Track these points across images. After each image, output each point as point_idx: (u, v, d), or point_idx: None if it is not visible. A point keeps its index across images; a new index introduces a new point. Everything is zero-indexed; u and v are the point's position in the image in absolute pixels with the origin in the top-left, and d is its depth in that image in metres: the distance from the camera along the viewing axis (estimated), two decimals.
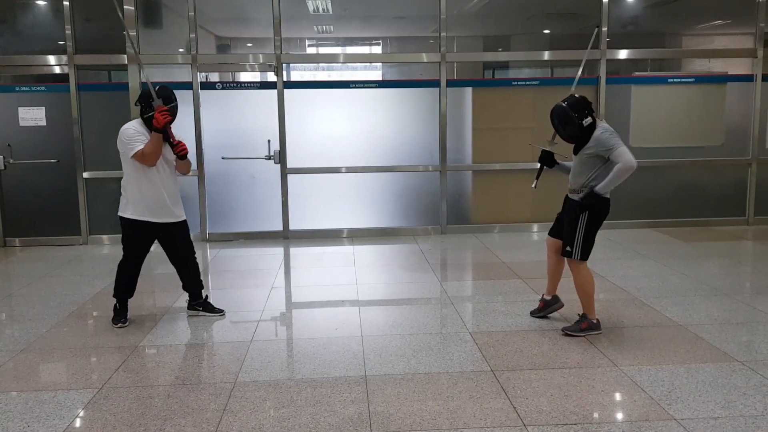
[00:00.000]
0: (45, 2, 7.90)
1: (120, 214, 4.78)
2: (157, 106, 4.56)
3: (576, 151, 4.49)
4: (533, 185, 4.97)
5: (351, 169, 8.14)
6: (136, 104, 4.74)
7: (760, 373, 3.79)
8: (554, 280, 4.85)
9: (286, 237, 8.12)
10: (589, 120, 4.33)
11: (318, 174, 8.11)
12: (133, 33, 7.64)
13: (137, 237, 4.81)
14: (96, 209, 7.96)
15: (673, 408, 3.35)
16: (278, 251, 7.50)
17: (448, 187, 8.24)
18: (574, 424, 3.20)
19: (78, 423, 3.33)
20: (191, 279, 5.09)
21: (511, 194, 8.39)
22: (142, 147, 4.58)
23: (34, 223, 7.94)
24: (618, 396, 3.55)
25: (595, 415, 3.32)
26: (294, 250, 7.54)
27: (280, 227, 8.13)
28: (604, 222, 4.55)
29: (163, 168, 4.75)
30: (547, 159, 4.80)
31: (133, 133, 4.62)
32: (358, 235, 8.17)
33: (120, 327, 4.82)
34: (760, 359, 4.00)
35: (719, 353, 4.11)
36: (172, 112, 4.66)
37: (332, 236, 8.16)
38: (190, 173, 5.06)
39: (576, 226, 4.42)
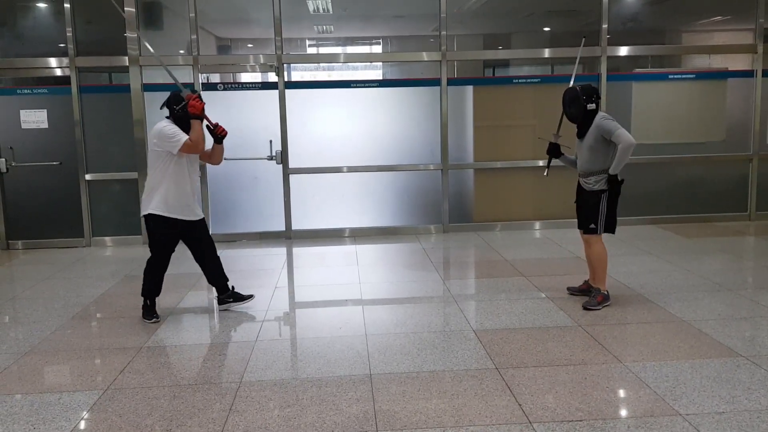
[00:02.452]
0: (46, 5, 7.91)
1: (151, 211, 4.82)
2: (187, 95, 4.72)
3: (579, 135, 5.00)
4: (545, 173, 5.56)
5: (353, 169, 8.15)
6: (161, 108, 4.86)
7: (764, 367, 3.79)
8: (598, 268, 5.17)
9: (289, 237, 8.13)
10: (593, 106, 4.86)
11: (320, 174, 8.12)
12: (134, 35, 7.66)
13: (167, 234, 4.90)
14: (99, 211, 7.98)
15: (678, 403, 3.36)
16: (281, 251, 7.51)
17: (449, 185, 8.24)
18: (580, 421, 3.20)
19: (83, 425, 3.34)
20: (216, 272, 5.20)
21: (513, 192, 8.39)
22: (187, 137, 4.68)
23: (37, 225, 7.95)
24: (623, 392, 3.55)
25: (601, 411, 3.32)
26: (297, 250, 7.55)
27: (282, 227, 8.14)
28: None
29: (191, 165, 4.89)
30: (554, 150, 5.38)
31: (174, 129, 4.73)
32: (360, 235, 8.18)
33: (154, 322, 4.92)
34: (764, 354, 4.00)
35: (723, 348, 4.12)
36: (202, 99, 4.81)
37: (335, 236, 8.17)
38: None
39: (598, 207, 4.91)
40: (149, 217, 4.85)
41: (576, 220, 5.20)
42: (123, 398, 3.62)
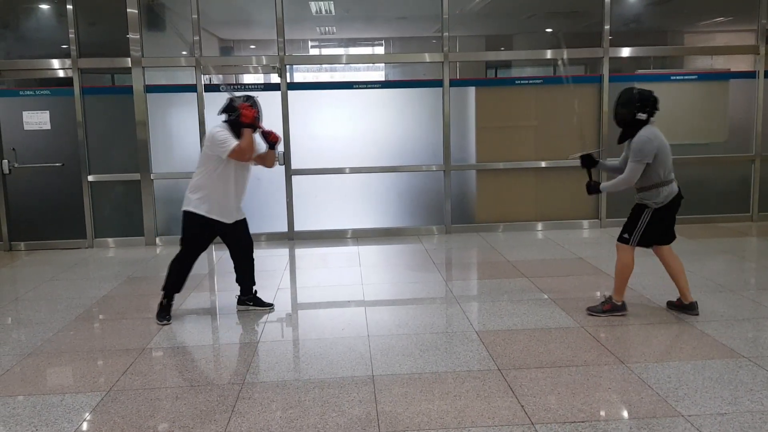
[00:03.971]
0: (48, 6, 7.92)
1: (191, 209, 4.88)
2: (240, 104, 4.80)
3: (620, 140, 4.76)
4: (591, 183, 4.98)
5: (355, 170, 8.15)
6: (219, 113, 4.93)
7: (766, 369, 3.78)
8: (679, 282, 4.85)
9: (291, 238, 8.13)
10: (643, 116, 4.56)
11: (322, 175, 8.12)
12: (136, 36, 7.68)
13: (202, 234, 4.97)
14: (101, 212, 7.99)
15: (680, 404, 3.36)
16: (283, 252, 7.51)
17: (452, 186, 8.24)
18: (582, 422, 3.20)
19: (86, 426, 3.34)
20: (246, 274, 5.24)
21: (516, 193, 8.39)
22: (236, 143, 4.73)
23: (40, 226, 7.96)
24: (625, 393, 3.54)
25: (603, 412, 3.32)
26: (299, 251, 7.56)
27: (285, 228, 8.14)
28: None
29: (240, 171, 4.99)
30: (589, 161, 5.01)
31: (226, 134, 4.79)
32: (362, 236, 8.18)
33: (165, 324, 4.93)
34: (766, 355, 3.99)
35: (725, 349, 4.11)
36: (256, 107, 4.91)
37: (337, 237, 8.17)
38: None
39: (639, 219, 4.68)
40: (188, 214, 4.90)
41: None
42: (125, 400, 3.62)
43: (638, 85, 8.10)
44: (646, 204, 4.67)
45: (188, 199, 4.92)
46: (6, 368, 4.14)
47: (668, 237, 4.83)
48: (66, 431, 3.27)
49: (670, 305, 4.98)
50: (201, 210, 4.87)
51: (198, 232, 4.96)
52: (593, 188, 4.90)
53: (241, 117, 4.77)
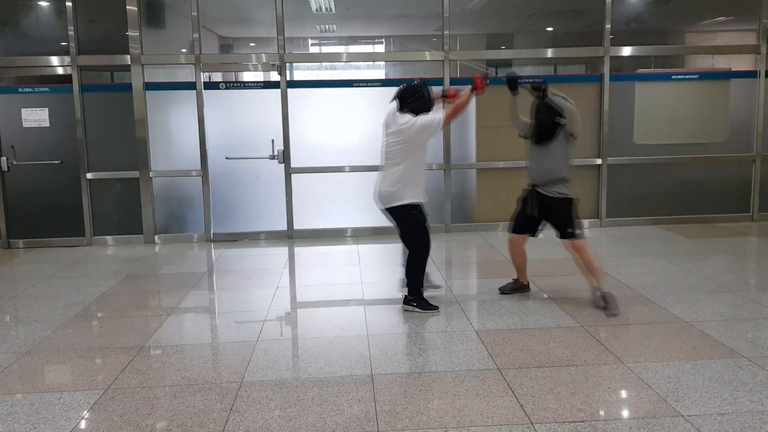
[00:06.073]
0: (48, 3, 7.90)
1: (416, 201, 4.91)
2: (477, 78, 5.29)
3: (537, 142, 5.34)
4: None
5: (355, 168, 8.13)
6: (391, 101, 5.05)
7: (766, 369, 3.78)
8: (524, 267, 5.43)
9: (291, 237, 8.12)
10: (563, 121, 5.19)
11: (322, 173, 8.10)
12: (135, 34, 7.67)
13: (425, 219, 5.03)
14: (100, 210, 7.97)
15: (680, 404, 3.35)
16: (282, 251, 7.50)
17: (452, 185, 8.23)
18: (582, 422, 3.19)
19: (84, 424, 3.34)
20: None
21: (516, 192, 8.32)
22: (440, 114, 4.89)
23: (38, 224, 7.94)
24: (625, 393, 3.54)
25: (603, 412, 3.31)
26: (298, 250, 7.54)
27: (284, 227, 8.12)
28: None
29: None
30: (513, 82, 5.60)
31: (414, 118, 4.86)
32: (362, 235, 8.17)
33: (434, 311, 5.04)
34: (766, 355, 3.99)
35: (725, 349, 4.10)
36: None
37: (336, 236, 8.16)
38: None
39: (570, 212, 5.02)
40: (412, 206, 4.90)
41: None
42: (123, 398, 3.61)
43: (638, 85, 8.21)
44: (569, 196, 5.04)
45: (401, 194, 4.87)
46: (4, 366, 4.13)
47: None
48: (64, 429, 3.26)
49: (504, 290, 5.45)
50: (420, 198, 4.93)
51: (424, 221, 4.99)
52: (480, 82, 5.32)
53: (439, 101, 5.09)
